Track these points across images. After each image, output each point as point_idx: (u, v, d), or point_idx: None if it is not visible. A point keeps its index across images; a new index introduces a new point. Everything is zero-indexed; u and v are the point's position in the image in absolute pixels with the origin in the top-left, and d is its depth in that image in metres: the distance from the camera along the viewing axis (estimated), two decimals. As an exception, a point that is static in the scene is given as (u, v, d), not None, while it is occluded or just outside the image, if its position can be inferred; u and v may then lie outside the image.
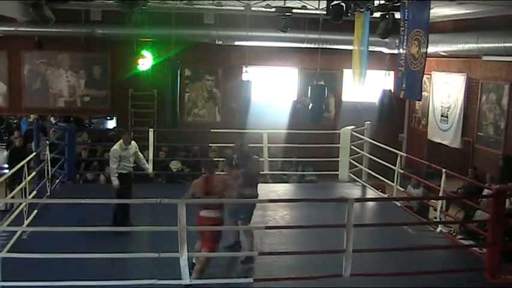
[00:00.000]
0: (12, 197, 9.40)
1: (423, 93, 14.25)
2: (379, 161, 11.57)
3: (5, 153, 15.06)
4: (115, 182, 8.85)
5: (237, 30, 15.09)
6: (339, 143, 12.78)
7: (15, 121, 19.23)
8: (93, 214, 8.36)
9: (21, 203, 8.74)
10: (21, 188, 9.01)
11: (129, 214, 8.91)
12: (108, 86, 16.45)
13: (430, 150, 16.00)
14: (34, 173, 9.89)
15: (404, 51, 9.77)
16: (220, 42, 15.77)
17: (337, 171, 12.76)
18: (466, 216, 11.55)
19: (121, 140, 9.03)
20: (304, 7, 13.51)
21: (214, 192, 7.02)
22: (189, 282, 6.44)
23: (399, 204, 10.90)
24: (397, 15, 10.47)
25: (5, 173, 11.90)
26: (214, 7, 14.25)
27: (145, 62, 15.51)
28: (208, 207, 6.92)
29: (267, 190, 12.12)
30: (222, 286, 6.70)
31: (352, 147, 12.46)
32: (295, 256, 7.86)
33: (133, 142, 9.24)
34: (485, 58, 13.45)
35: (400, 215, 10.40)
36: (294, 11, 13.19)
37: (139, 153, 9.41)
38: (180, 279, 6.40)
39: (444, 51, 13.84)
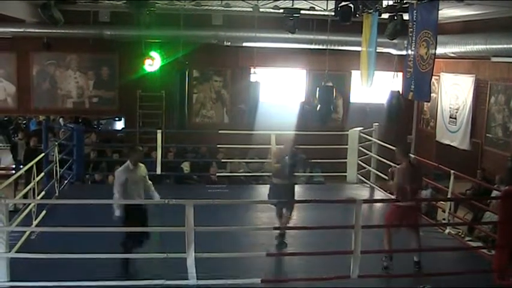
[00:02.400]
0: (25, 197, 9.44)
1: (432, 94, 14.19)
2: (388, 162, 11.54)
3: (15, 154, 15.10)
4: (116, 212, 7.18)
5: (245, 31, 15.10)
6: (347, 145, 12.76)
7: (24, 122, 19.32)
8: (101, 214, 8.38)
9: (29, 204, 8.78)
10: (30, 189, 9.05)
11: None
12: (117, 87, 16.48)
13: (439, 152, 15.95)
14: (42, 174, 9.94)
15: (412, 53, 9.74)
16: (229, 44, 15.78)
17: (345, 172, 12.75)
18: (475, 218, 11.51)
19: (128, 162, 7.47)
20: (312, 8, 13.50)
21: (419, 180, 7.47)
22: (195, 283, 6.45)
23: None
24: (406, 17, 10.44)
25: (13, 174, 11.97)
26: (222, 8, 14.25)
27: (154, 63, 15.52)
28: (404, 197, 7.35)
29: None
30: (230, 286, 6.71)
31: (360, 148, 12.45)
32: (302, 257, 7.85)
33: (141, 165, 7.65)
34: (494, 59, 13.38)
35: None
36: (302, 12, 13.17)
37: (147, 179, 7.70)
38: (187, 279, 6.41)
39: (453, 53, 13.78)
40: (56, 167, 10.42)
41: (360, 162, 12.54)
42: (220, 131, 13.19)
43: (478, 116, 14.22)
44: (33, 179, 8.99)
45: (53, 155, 10.60)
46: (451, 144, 15.19)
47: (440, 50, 12.13)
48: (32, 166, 8.92)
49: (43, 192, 9.88)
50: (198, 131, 15.89)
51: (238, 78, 16.64)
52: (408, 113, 16.97)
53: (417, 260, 7.48)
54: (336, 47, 15.28)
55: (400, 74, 11.99)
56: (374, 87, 12.31)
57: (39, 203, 9.05)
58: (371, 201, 11.39)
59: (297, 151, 8.84)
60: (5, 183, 7.89)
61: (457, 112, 15.01)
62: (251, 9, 13.56)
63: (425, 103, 16.38)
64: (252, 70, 13.49)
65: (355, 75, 15.81)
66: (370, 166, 12.28)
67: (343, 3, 11.59)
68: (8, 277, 6.41)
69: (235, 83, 16.76)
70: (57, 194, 10.43)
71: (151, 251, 7.28)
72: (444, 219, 9.91)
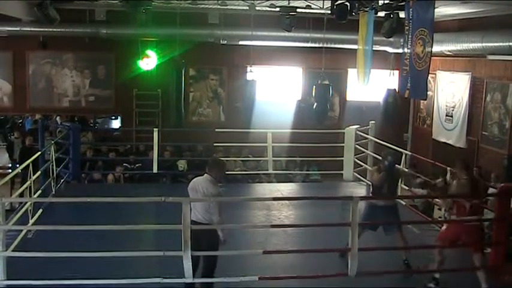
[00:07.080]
0: (21, 196, 9.41)
1: (428, 92, 14.21)
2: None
3: (11, 153, 15.08)
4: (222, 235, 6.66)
5: (241, 29, 15.08)
6: (343, 143, 12.77)
7: (20, 121, 19.30)
8: (97, 213, 8.38)
9: (26, 202, 8.77)
10: (26, 188, 9.04)
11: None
12: (113, 86, 16.45)
13: (435, 150, 15.96)
14: (39, 173, 9.92)
15: (409, 51, 9.75)
16: (225, 42, 15.76)
17: (342, 170, 12.75)
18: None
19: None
20: (308, 6, 13.51)
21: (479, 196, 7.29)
22: (192, 281, 6.44)
23: (404, 203, 10.89)
24: (402, 15, 10.46)
25: (9, 173, 11.95)
26: (218, 7, 14.25)
27: (150, 61, 15.47)
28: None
29: (271, 189, 12.16)
30: (227, 284, 6.70)
31: (357, 146, 12.46)
32: (300, 255, 7.87)
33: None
34: (490, 57, 13.39)
35: (405, 214, 10.37)
36: (298, 10, 13.17)
37: None
38: (183, 277, 6.41)
39: (449, 51, 13.80)
40: (52, 165, 10.40)
41: (357, 160, 12.55)
42: (216, 130, 13.19)
43: (474, 114, 14.23)
44: (30, 177, 8.97)
45: (49, 154, 10.59)
46: (447, 142, 15.21)
47: (436, 48, 12.13)
48: (28, 165, 8.90)
49: (39, 191, 9.87)
50: (195, 129, 15.87)
51: (234, 76, 16.63)
52: (404, 111, 16.99)
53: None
54: (332, 45, 15.28)
55: (397, 72, 12.01)
56: (370, 86, 12.33)
57: (36, 202, 9.04)
58: (368, 198, 11.39)
59: (392, 154, 8.30)
60: (1, 182, 7.89)
61: (453, 110, 15.03)
62: (247, 8, 13.58)
63: (421, 101, 16.37)
64: (249, 68, 13.47)
65: (352, 73, 15.85)
66: (366, 164, 12.28)
67: (340, 2, 11.61)
68: (5, 276, 6.39)
69: (232, 82, 16.76)
70: (53, 193, 10.42)
71: (148, 249, 7.27)
72: (440, 217, 9.92)
